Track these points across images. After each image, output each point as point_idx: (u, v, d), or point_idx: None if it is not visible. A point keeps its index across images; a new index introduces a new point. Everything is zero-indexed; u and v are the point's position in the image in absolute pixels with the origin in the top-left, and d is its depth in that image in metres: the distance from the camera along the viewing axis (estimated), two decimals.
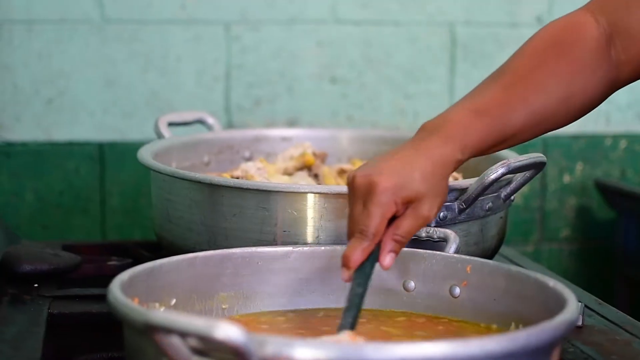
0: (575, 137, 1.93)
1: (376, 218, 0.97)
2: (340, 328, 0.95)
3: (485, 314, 1.04)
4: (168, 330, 0.75)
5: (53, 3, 1.73)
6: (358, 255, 0.98)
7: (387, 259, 1.00)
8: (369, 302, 1.04)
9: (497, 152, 1.33)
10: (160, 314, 0.76)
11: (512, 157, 1.17)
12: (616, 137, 1.94)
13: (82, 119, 1.76)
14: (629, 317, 1.17)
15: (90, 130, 1.76)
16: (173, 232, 1.22)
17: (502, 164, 1.15)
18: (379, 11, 1.83)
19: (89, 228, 1.77)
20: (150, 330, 0.76)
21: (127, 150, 1.77)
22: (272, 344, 0.76)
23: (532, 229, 1.93)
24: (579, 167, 1.94)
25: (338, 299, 1.07)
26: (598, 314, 1.20)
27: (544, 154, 1.34)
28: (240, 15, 1.79)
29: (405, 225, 0.99)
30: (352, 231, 0.99)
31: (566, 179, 1.94)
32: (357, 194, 0.99)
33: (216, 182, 1.16)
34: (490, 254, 1.25)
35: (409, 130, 1.84)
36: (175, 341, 0.77)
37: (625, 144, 1.94)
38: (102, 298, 1.19)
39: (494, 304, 1.03)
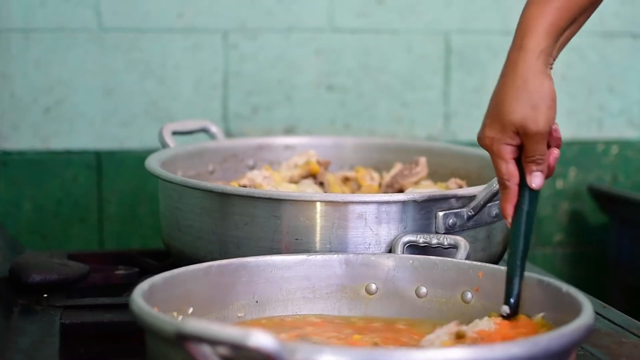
0: (568, 143, 1.95)
1: (502, 168, 1.05)
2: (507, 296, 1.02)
3: None
4: (201, 339, 0.76)
5: (51, 12, 1.73)
6: (506, 204, 1.05)
7: (531, 178, 1.05)
8: (380, 310, 1.07)
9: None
10: (192, 323, 0.76)
11: None
12: (608, 143, 1.97)
13: (80, 128, 1.76)
14: (633, 320, 1.19)
15: (88, 139, 1.77)
16: (183, 240, 1.23)
17: None
18: (376, 20, 1.84)
19: (88, 237, 1.78)
20: (182, 339, 0.77)
21: (125, 159, 1.78)
22: (302, 351, 0.77)
23: None
24: (572, 172, 1.96)
25: (351, 307, 1.09)
26: (603, 317, 1.21)
27: None
28: (238, 24, 1.80)
29: (530, 150, 1.04)
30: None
31: (559, 184, 1.96)
32: (488, 151, 1.06)
33: (228, 191, 1.17)
34: (496, 260, 1.26)
35: (405, 137, 1.85)
36: (206, 350, 0.78)
37: (617, 150, 1.97)
38: (113, 307, 1.20)
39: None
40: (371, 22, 1.84)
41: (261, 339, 0.74)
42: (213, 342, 0.76)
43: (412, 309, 1.09)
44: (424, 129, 1.88)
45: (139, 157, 1.78)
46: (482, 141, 1.06)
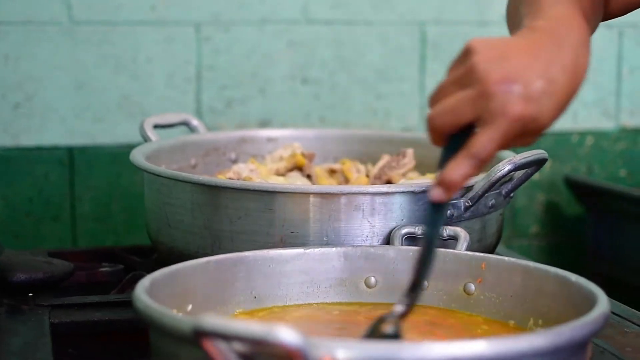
0: (543, 134, 1.94)
1: (496, 147, 0.82)
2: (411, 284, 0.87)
3: (502, 311, 1.03)
4: (221, 336, 0.73)
5: (19, 4, 1.68)
6: (462, 179, 0.82)
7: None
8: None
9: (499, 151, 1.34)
10: (211, 320, 0.74)
11: (516, 155, 1.18)
12: (583, 134, 1.96)
13: (51, 124, 1.72)
14: (632, 309, 1.18)
15: (59, 135, 1.72)
16: (173, 236, 1.20)
17: (508, 161, 1.16)
18: (350, 11, 1.82)
19: (61, 235, 1.73)
20: (200, 336, 0.74)
21: (97, 155, 1.74)
22: (327, 346, 0.75)
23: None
24: (547, 163, 1.94)
25: (350, 301, 1.07)
26: None
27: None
28: (211, 16, 1.76)
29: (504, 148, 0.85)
30: (444, 124, 0.83)
31: (535, 175, 1.95)
32: (484, 96, 0.81)
33: (221, 184, 1.14)
34: (490, 251, 1.25)
35: (389, 129, 1.83)
36: (223, 346, 0.75)
37: (592, 141, 1.97)
38: (102, 305, 1.17)
39: (510, 300, 1.03)
40: (345, 13, 1.82)
41: (285, 335, 0.72)
42: (234, 338, 0.73)
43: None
44: (399, 121, 1.86)
45: (111, 152, 1.74)
46: (518, 104, 0.81)
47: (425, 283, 1.07)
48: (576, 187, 1.92)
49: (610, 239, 1.88)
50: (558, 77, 0.84)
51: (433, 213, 0.85)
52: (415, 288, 0.86)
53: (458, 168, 0.83)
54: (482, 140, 0.82)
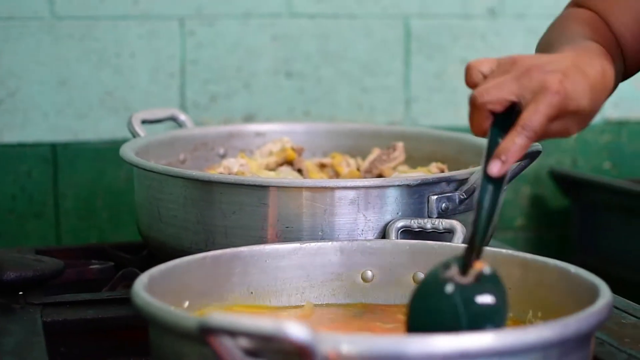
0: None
1: (543, 119, 0.91)
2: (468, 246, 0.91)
3: None
4: (229, 333, 0.72)
5: (0, 0, 1.66)
6: (519, 149, 0.90)
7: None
8: (377, 297, 1.04)
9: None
10: (219, 316, 0.73)
11: None
12: None
13: (34, 120, 1.70)
14: (626, 300, 1.18)
15: (42, 131, 1.70)
16: (165, 232, 1.19)
17: None
18: (334, 5, 1.81)
19: (44, 233, 1.71)
20: (207, 333, 0.73)
21: (81, 151, 1.72)
22: (333, 341, 0.74)
23: None
24: None
25: (347, 295, 1.06)
26: None
27: None
28: (195, 10, 1.75)
29: (551, 131, 0.94)
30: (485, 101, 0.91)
31: None
32: (526, 75, 0.92)
33: (214, 179, 1.13)
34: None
35: (365, 123, 1.82)
36: (229, 343, 0.74)
37: (577, 134, 1.97)
38: (94, 303, 1.16)
39: (509, 293, 1.02)
40: (330, 6, 1.81)
41: (294, 330, 0.71)
42: (242, 335, 0.72)
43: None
44: (385, 115, 1.86)
45: (95, 148, 1.72)
46: (553, 77, 0.91)
47: (422, 276, 1.06)
48: (561, 180, 1.92)
49: (595, 231, 1.88)
50: (588, 69, 0.94)
51: (493, 188, 0.90)
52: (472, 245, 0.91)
53: (513, 140, 0.90)
54: (529, 112, 0.90)
